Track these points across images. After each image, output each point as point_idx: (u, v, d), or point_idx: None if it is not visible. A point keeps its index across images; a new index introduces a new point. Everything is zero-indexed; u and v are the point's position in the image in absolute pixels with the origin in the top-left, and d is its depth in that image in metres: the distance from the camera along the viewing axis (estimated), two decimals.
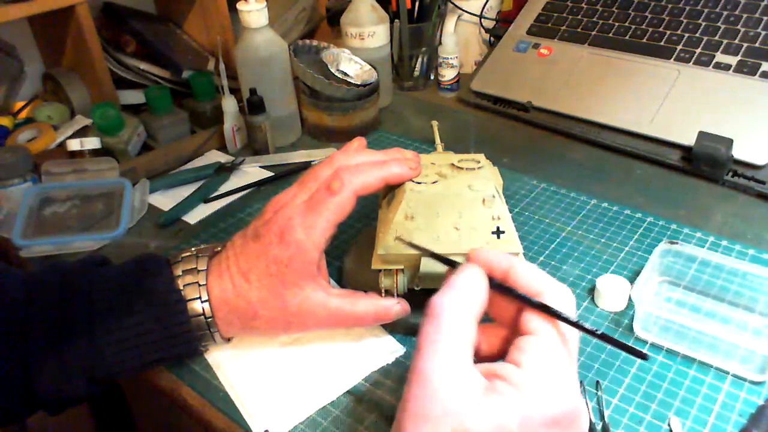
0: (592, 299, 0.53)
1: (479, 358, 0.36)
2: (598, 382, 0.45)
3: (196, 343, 0.45)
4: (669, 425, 0.42)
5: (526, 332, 0.32)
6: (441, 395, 0.28)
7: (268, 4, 0.72)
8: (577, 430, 0.30)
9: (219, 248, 0.47)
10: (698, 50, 0.75)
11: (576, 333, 0.33)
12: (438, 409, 0.28)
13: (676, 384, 0.45)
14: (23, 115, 0.82)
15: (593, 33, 0.83)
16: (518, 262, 0.35)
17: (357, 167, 0.44)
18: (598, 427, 0.42)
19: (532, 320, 0.32)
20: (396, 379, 0.47)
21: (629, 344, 0.33)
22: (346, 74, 0.79)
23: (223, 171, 0.74)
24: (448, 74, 0.90)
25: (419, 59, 0.92)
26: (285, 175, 0.74)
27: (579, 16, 0.86)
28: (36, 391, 0.42)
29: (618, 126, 0.74)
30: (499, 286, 0.35)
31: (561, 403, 0.30)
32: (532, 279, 0.34)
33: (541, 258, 0.58)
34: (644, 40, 0.79)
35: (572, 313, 0.33)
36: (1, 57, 0.79)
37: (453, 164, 0.49)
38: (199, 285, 0.44)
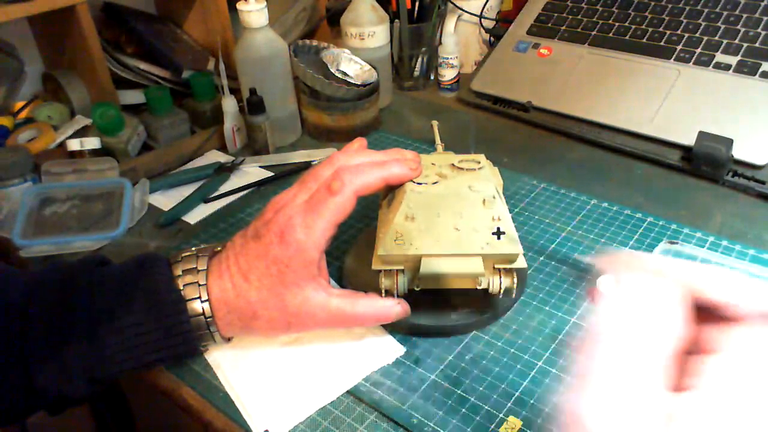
0: (593, 299, 0.53)
1: None
2: None
3: (195, 343, 0.45)
4: None
5: (706, 349, 0.25)
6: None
7: (268, 4, 0.72)
8: None
9: (219, 248, 0.47)
10: (698, 50, 0.75)
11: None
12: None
13: None
14: (23, 115, 0.82)
15: (593, 33, 0.83)
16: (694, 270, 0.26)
17: (357, 167, 0.44)
18: None
19: (714, 335, 0.25)
20: (396, 379, 0.47)
21: None
22: (346, 74, 0.79)
23: (223, 171, 0.74)
24: (448, 74, 0.90)
25: (419, 59, 0.92)
26: (285, 175, 0.74)
27: (579, 16, 0.86)
28: (36, 391, 0.42)
29: (618, 126, 0.74)
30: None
31: None
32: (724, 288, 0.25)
33: (541, 258, 0.58)
34: (644, 40, 0.79)
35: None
36: (1, 57, 0.79)
37: (453, 165, 0.49)
38: (199, 285, 0.44)
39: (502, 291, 0.48)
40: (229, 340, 0.48)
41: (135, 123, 0.76)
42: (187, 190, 0.71)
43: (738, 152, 0.66)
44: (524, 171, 0.72)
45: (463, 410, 0.44)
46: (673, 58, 0.76)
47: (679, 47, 0.76)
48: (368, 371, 0.47)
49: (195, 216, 0.68)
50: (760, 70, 0.71)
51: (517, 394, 0.45)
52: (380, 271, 0.47)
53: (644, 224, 0.62)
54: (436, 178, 0.47)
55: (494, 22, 0.94)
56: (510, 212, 0.50)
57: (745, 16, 0.75)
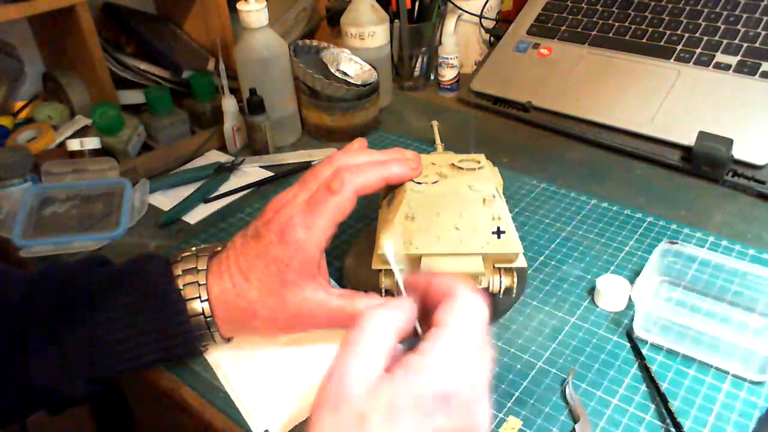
0: (592, 299, 0.53)
1: None
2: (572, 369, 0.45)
3: (195, 342, 0.45)
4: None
5: (434, 326, 0.34)
6: (342, 386, 0.30)
7: (268, 4, 0.72)
8: (469, 414, 0.31)
9: (219, 248, 0.47)
10: (698, 50, 0.75)
11: (476, 326, 0.34)
12: (338, 397, 0.30)
13: (676, 384, 0.45)
14: (23, 115, 0.82)
15: (593, 33, 0.83)
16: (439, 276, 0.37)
17: (358, 167, 0.44)
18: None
19: (438, 314, 0.34)
20: None
21: None
22: (346, 74, 0.79)
23: (223, 171, 0.74)
24: (448, 74, 0.90)
25: (419, 59, 0.92)
26: (285, 175, 0.74)
27: (579, 16, 0.86)
28: (36, 391, 0.42)
29: (618, 126, 0.74)
30: None
31: (451, 382, 0.31)
32: (448, 283, 0.36)
33: (541, 258, 0.58)
34: (644, 40, 0.79)
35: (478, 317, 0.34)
36: (1, 57, 0.79)
37: (453, 164, 0.49)
38: (199, 284, 0.44)
39: (502, 290, 0.48)
40: (228, 340, 0.47)
41: (135, 123, 0.76)
42: (187, 190, 0.71)
43: (738, 152, 0.66)
44: (524, 171, 0.72)
45: None
46: (673, 58, 0.76)
47: (679, 47, 0.76)
48: None
49: (195, 216, 0.68)
50: (760, 70, 0.71)
51: (517, 394, 0.45)
52: (380, 270, 0.47)
53: (644, 224, 0.62)
54: (436, 177, 0.47)
55: (494, 22, 0.94)
56: (510, 212, 0.50)
57: (745, 16, 0.75)
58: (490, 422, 0.32)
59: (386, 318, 0.33)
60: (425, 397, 0.30)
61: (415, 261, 0.46)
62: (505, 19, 0.93)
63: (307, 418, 0.32)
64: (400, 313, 0.34)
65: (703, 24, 0.77)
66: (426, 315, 0.36)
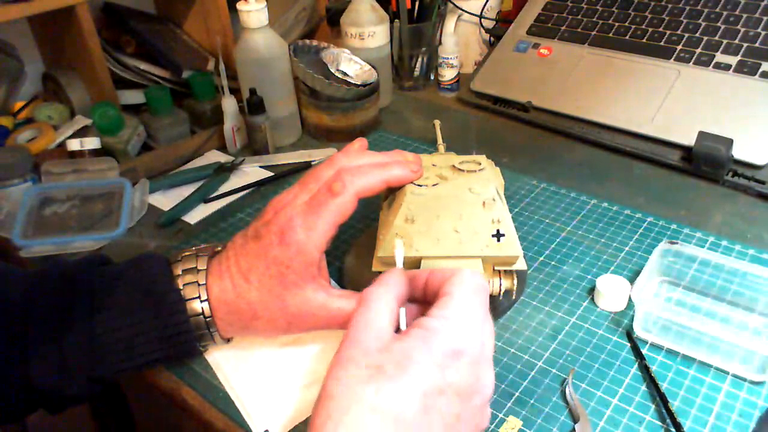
0: (592, 299, 0.53)
1: None
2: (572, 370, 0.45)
3: (195, 342, 0.45)
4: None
5: (441, 296, 0.37)
6: (361, 344, 0.33)
7: (268, 4, 0.72)
8: (476, 373, 0.34)
9: (219, 248, 0.47)
10: (698, 50, 0.75)
11: (480, 296, 0.37)
12: (358, 352, 0.33)
13: (676, 384, 0.45)
14: (23, 115, 0.82)
15: (593, 33, 0.83)
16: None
17: (359, 169, 0.44)
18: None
19: (444, 287, 0.37)
20: None
21: None
22: (346, 74, 0.79)
23: (223, 171, 0.74)
24: (448, 74, 0.90)
25: (419, 59, 0.92)
26: (285, 175, 0.74)
27: (579, 16, 0.86)
28: (35, 391, 0.42)
29: (618, 126, 0.74)
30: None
31: (461, 339, 0.34)
32: (447, 269, 0.40)
33: (541, 258, 0.58)
34: (644, 40, 0.79)
35: (478, 287, 0.37)
36: (1, 57, 0.79)
37: (454, 166, 0.49)
38: (199, 284, 0.44)
39: (502, 292, 0.48)
40: (228, 340, 0.47)
41: (135, 123, 0.76)
42: (187, 190, 0.71)
43: (738, 152, 0.66)
44: (524, 171, 0.72)
45: None
46: (673, 58, 0.76)
47: (679, 47, 0.77)
48: None
49: (195, 216, 0.68)
50: (760, 70, 0.71)
51: (517, 394, 0.45)
52: (380, 272, 0.47)
53: (644, 224, 0.62)
54: (436, 179, 0.47)
55: (494, 22, 0.94)
56: (510, 212, 0.50)
57: (745, 16, 0.75)
58: (493, 390, 0.35)
59: (384, 288, 0.37)
60: (438, 352, 0.33)
61: (414, 263, 0.46)
62: (505, 19, 0.93)
63: (310, 414, 0.33)
64: (395, 279, 0.38)
65: (703, 24, 0.77)
66: (429, 305, 0.38)
